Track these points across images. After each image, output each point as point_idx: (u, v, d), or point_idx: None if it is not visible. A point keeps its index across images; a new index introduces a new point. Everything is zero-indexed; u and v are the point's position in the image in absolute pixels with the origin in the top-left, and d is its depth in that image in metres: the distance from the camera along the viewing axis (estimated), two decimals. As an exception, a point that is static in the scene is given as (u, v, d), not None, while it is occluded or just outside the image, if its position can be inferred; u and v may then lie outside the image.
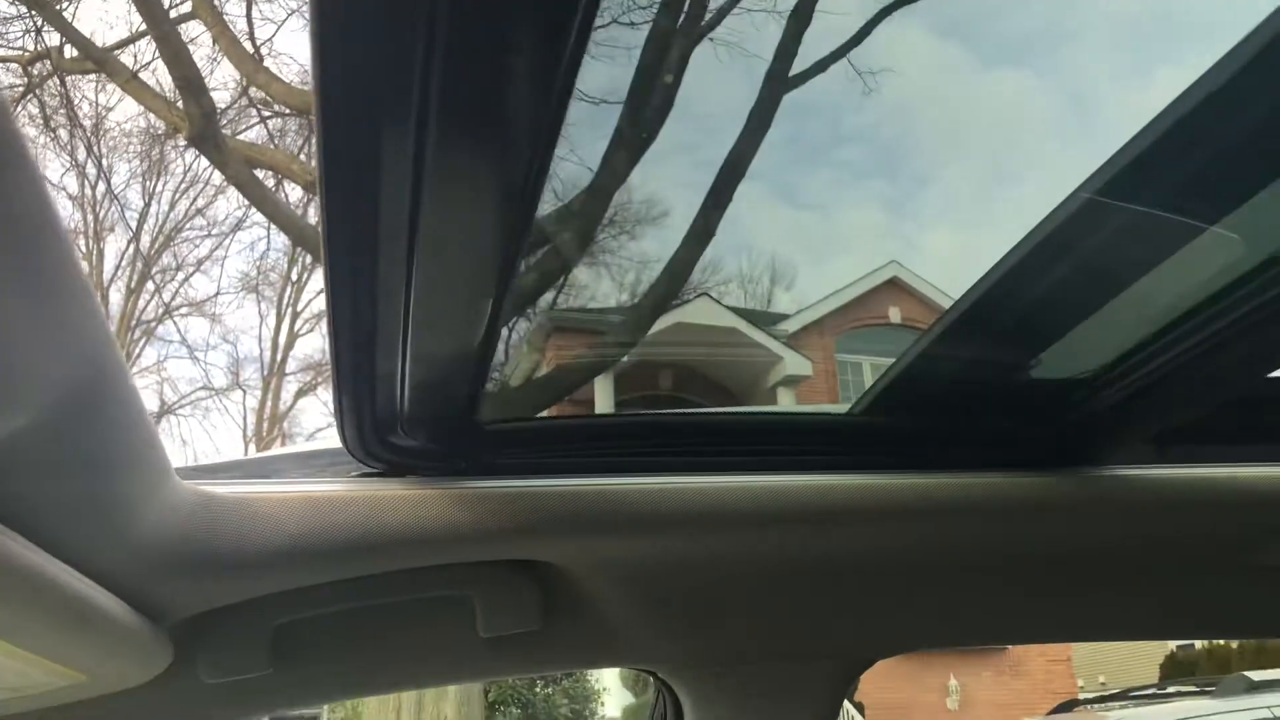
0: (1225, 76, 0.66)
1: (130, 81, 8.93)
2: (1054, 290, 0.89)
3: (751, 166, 7.41)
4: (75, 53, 9.44)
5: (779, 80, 7.51)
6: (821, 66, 8.05)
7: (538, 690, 11.89)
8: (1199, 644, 15.85)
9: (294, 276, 19.28)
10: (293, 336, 19.53)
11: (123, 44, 10.20)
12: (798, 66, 7.63)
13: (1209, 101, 0.68)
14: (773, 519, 1.02)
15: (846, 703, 11.84)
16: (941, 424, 1.04)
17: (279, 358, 19.68)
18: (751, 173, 7.51)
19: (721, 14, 8.30)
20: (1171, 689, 5.92)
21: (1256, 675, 4.53)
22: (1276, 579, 1.24)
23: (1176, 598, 1.31)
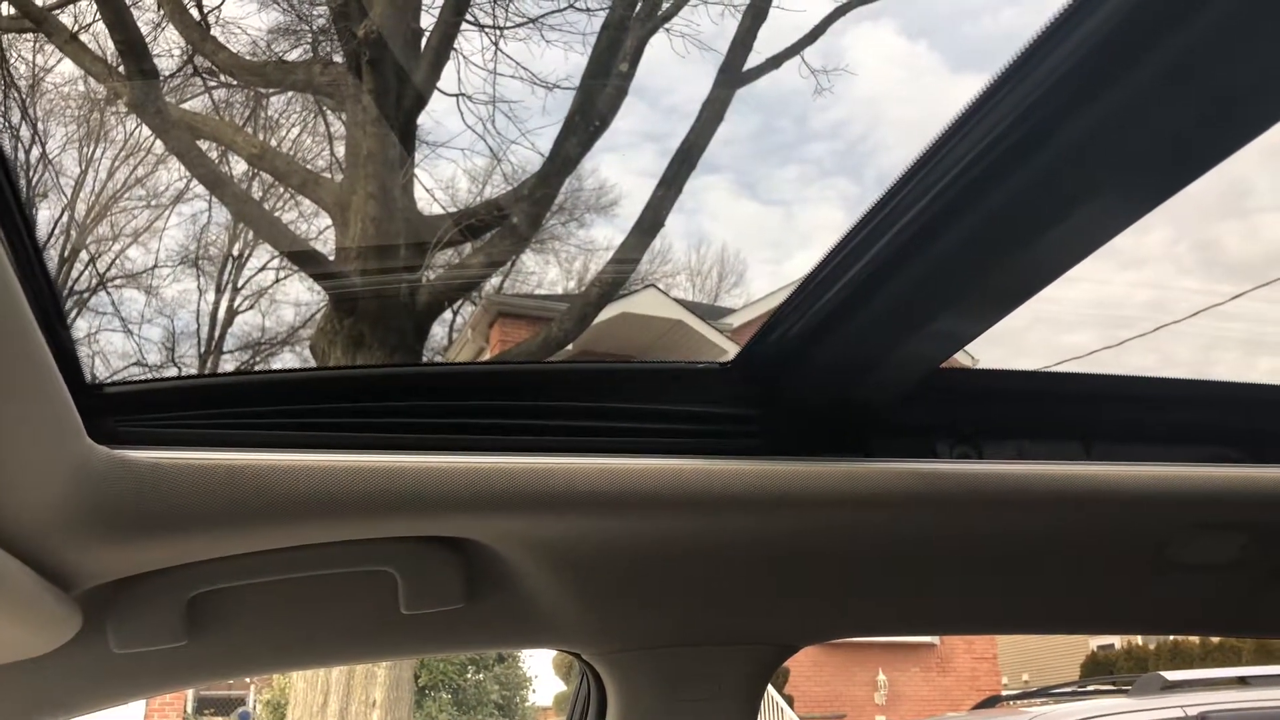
0: None
1: (70, 43, 8.64)
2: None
3: (703, 159, 7.43)
4: (12, 10, 9.12)
5: (733, 74, 7.53)
6: (775, 63, 8.10)
7: (469, 676, 11.82)
8: (1118, 644, 16.31)
9: (235, 252, 18.85)
10: (232, 313, 19.12)
11: (62, 3, 9.86)
12: (753, 61, 7.67)
13: None
14: (694, 503, 1.01)
15: (777, 696, 11.97)
16: (858, 413, 1.04)
17: (217, 334, 19.27)
18: (704, 165, 7.53)
19: (679, 5, 8.31)
20: (1091, 687, 6.07)
21: (1171, 675, 4.66)
22: (1185, 577, 1.27)
23: (1099, 594, 1.34)
